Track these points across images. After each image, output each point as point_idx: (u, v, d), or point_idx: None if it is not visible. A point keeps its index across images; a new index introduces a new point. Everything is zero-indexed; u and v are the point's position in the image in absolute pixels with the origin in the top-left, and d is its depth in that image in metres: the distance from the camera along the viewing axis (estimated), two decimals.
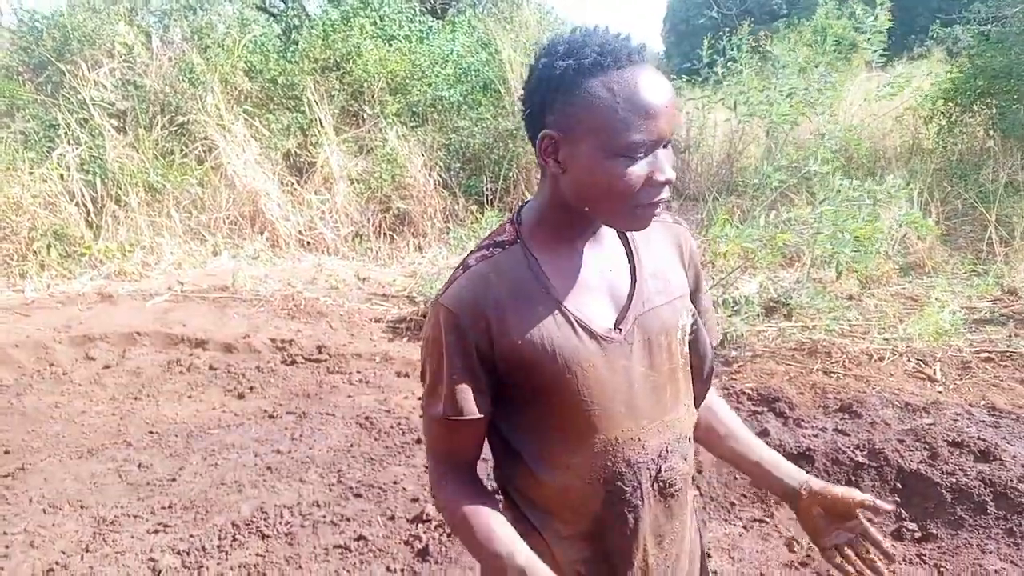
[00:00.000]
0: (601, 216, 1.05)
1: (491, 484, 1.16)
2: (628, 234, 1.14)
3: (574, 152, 0.98)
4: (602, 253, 1.11)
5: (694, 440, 1.30)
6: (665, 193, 1.00)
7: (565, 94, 0.97)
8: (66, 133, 7.04)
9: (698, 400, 1.23)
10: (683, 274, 1.18)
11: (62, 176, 6.82)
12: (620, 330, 1.07)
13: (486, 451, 1.17)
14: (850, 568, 1.19)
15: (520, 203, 1.16)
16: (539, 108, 1.01)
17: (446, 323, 1.04)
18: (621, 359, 1.07)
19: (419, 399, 3.97)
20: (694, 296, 1.22)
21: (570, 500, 1.12)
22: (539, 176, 1.11)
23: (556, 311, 1.05)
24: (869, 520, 1.19)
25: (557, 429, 1.09)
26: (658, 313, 1.10)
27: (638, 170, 0.96)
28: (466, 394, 1.05)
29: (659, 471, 1.12)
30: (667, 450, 1.13)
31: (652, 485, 1.12)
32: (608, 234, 1.13)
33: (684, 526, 1.22)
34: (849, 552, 1.19)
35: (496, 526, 1.07)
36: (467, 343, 1.04)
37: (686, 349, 1.16)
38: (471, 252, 1.11)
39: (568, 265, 1.08)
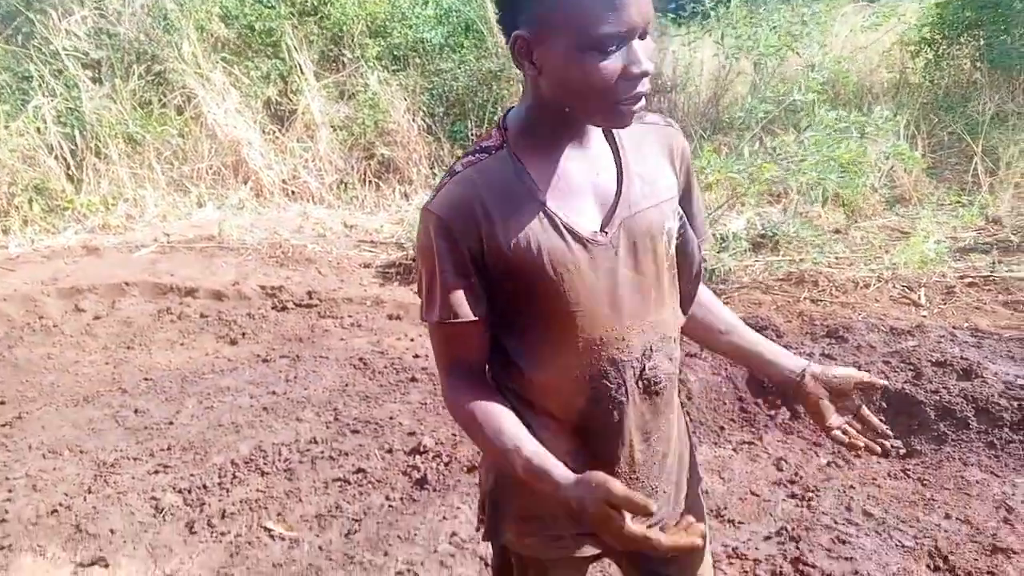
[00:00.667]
0: (582, 114, 1.05)
1: None
2: (616, 136, 1.14)
3: (547, 51, 0.98)
4: (589, 156, 1.11)
5: (697, 340, 1.37)
6: (643, 86, 0.99)
7: None
8: (40, 85, 6.87)
9: (686, 301, 1.26)
10: (673, 176, 1.19)
11: (39, 129, 6.67)
12: (606, 233, 1.09)
13: None
14: (856, 441, 1.28)
15: (505, 109, 1.15)
16: (510, 9, 1.01)
17: (436, 229, 1.06)
18: (606, 262, 1.09)
19: (411, 340, 4.02)
20: (684, 198, 1.22)
21: (557, 397, 1.15)
22: (522, 81, 1.11)
23: (542, 214, 1.06)
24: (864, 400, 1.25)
25: (543, 329, 1.11)
26: (644, 216, 1.11)
27: (612, 64, 0.95)
28: (460, 297, 1.07)
29: (643, 369, 1.15)
30: (651, 349, 1.15)
31: (636, 383, 1.15)
32: (595, 136, 1.13)
33: (670, 425, 1.26)
34: (849, 428, 1.28)
35: (503, 421, 1.10)
36: (458, 247, 1.05)
37: (672, 252, 1.18)
38: (458, 159, 1.12)
39: (554, 169, 1.09)
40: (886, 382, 1.29)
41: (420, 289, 1.13)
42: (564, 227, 1.06)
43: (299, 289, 4.72)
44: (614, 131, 1.14)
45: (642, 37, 0.97)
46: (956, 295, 3.82)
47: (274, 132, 7.48)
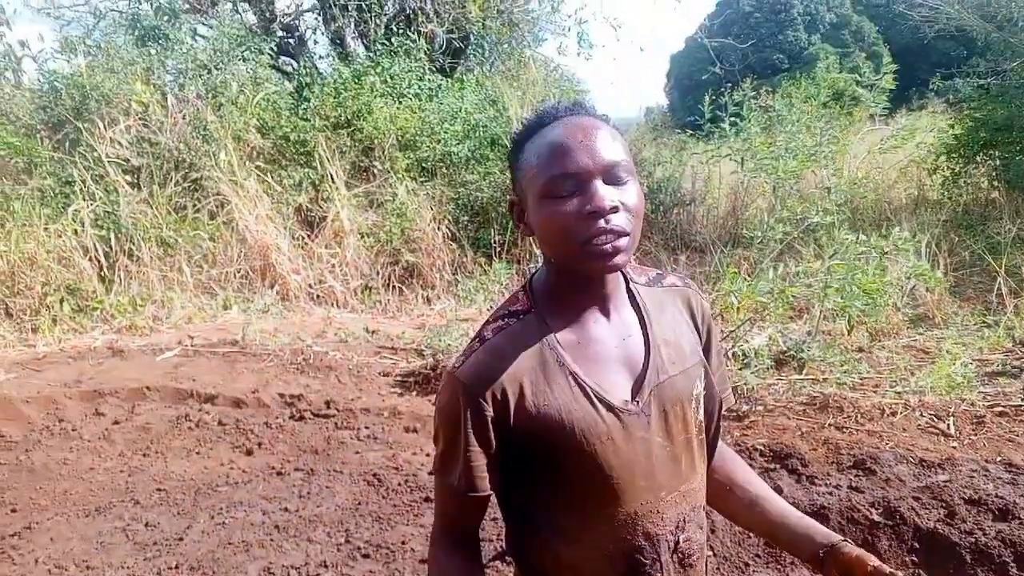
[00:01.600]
0: (564, 263, 1.07)
1: (500, 545, 1.15)
2: (639, 300, 1.15)
3: (528, 210, 1.06)
4: (615, 321, 1.12)
5: (714, 507, 1.30)
6: (604, 223, 0.98)
7: (514, 162, 1.08)
8: (82, 189, 7.16)
9: (712, 446, 1.23)
10: (695, 338, 1.18)
11: (76, 231, 6.92)
12: (637, 402, 1.07)
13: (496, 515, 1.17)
14: None
15: (536, 260, 1.19)
16: (512, 184, 1.11)
17: (464, 398, 1.05)
18: (639, 431, 1.07)
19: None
20: (706, 356, 1.21)
21: (586, 572, 1.11)
22: None
23: (573, 383, 1.05)
24: None
25: (575, 502, 1.08)
26: (673, 383, 1.10)
27: (567, 207, 0.99)
28: (480, 471, 1.07)
29: (678, 542, 1.12)
30: (684, 520, 1.12)
31: (672, 556, 1.12)
32: (620, 301, 1.13)
33: None
34: None
35: None
36: (483, 418, 1.04)
37: (700, 417, 1.16)
38: (486, 323, 1.12)
39: (583, 334, 1.09)
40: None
41: (437, 444, 1.12)
42: (595, 396, 1.05)
43: (318, 398, 4.72)
44: (637, 296, 1.15)
45: (612, 181, 1.00)
46: (986, 425, 3.72)
47: (303, 237, 7.68)
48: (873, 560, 1.14)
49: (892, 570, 1.13)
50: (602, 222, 0.98)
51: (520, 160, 1.06)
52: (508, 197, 1.10)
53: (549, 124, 1.04)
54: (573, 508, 1.09)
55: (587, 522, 1.08)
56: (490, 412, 1.04)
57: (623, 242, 1.00)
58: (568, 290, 1.10)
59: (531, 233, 1.07)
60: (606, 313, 1.11)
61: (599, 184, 0.98)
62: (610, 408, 1.06)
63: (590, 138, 0.99)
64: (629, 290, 1.16)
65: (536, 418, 1.04)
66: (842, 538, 1.20)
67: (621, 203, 0.99)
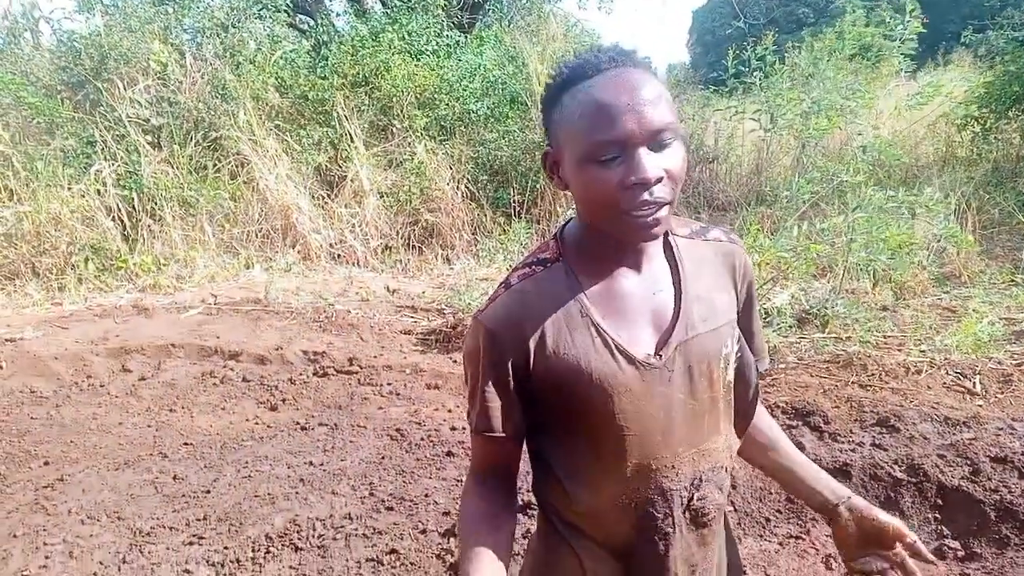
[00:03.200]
0: (600, 227, 1.03)
1: (528, 494, 1.16)
2: (676, 254, 1.11)
3: (564, 165, 1.01)
4: (647, 274, 1.09)
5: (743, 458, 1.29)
6: (652, 195, 0.95)
7: (550, 112, 1.02)
8: (103, 149, 7.19)
9: (741, 424, 1.21)
10: (733, 296, 1.15)
11: (99, 191, 6.97)
12: (660, 356, 1.05)
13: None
14: None
15: (556, 219, 1.17)
16: (545, 127, 1.06)
17: (484, 341, 1.05)
18: (659, 386, 1.05)
19: (449, 411, 4.00)
20: (743, 316, 1.18)
21: (601, 522, 1.11)
22: None
23: (595, 334, 1.04)
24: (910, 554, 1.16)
25: (590, 450, 1.08)
26: (701, 340, 1.08)
27: (610, 175, 0.94)
28: (496, 411, 1.07)
29: (691, 499, 1.11)
30: (701, 479, 1.11)
31: (684, 513, 1.11)
32: (654, 254, 1.10)
33: (715, 554, 1.20)
34: None
35: (479, 543, 1.06)
36: (503, 362, 1.04)
37: (729, 377, 1.13)
38: (514, 269, 1.11)
39: (610, 286, 1.07)
40: (933, 560, 1.14)
41: (466, 390, 1.14)
42: (616, 348, 1.04)
43: (340, 355, 4.76)
44: (674, 249, 1.12)
45: (657, 147, 0.95)
46: (1013, 383, 3.67)
47: (323, 197, 7.69)
48: (906, 530, 1.15)
49: (927, 552, 1.14)
50: (645, 194, 0.94)
51: (557, 112, 1.00)
52: (543, 148, 1.05)
53: (592, 75, 0.96)
54: (589, 456, 1.08)
55: (602, 471, 1.08)
56: (510, 354, 1.04)
57: (663, 212, 0.97)
58: (600, 244, 1.07)
59: (564, 187, 1.04)
60: (637, 267, 1.09)
61: (643, 152, 0.94)
62: (631, 361, 1.04)
63: (637, 99, 0.93)
64: (667, 241, 1.12)
65: (555, 365, 1.03)
66: (851, 494, 1.20)
67: (665, 171, 0.95)
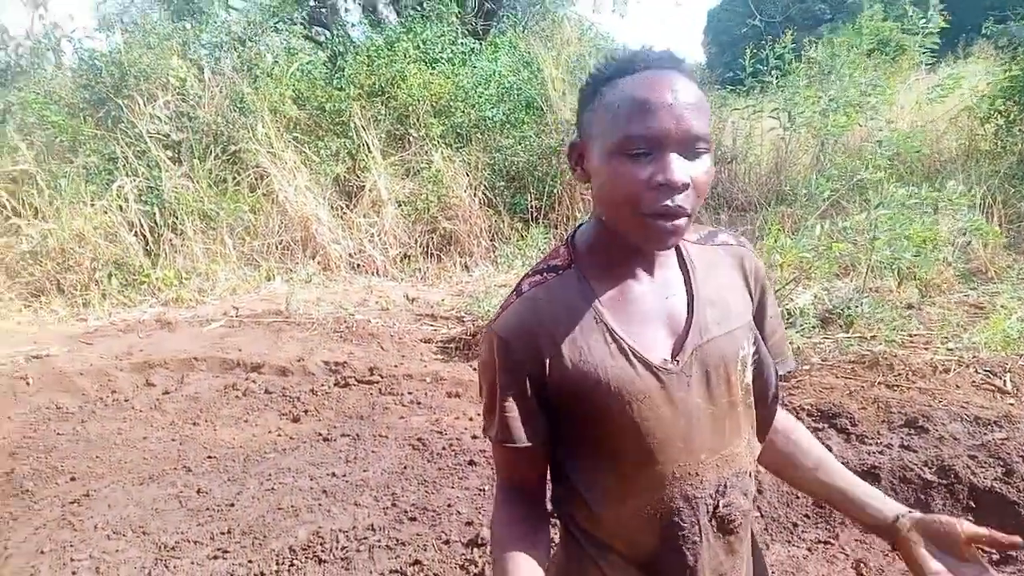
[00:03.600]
0: (615, 226, 1.01)
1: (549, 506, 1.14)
2: (687, 258, 1.10)
3: (591, 157, 0.99)
4: (659, 279, 1.08)
5: (780, 475, 1.26)
6: (676, 201, 0.93)
7: (587, 105, 1.00)
8: (125, 165, 7.30)
9: (762, 428, 1.18)
10: (747, 299, 1.13)
11: (121, 207, 7.06)
12: (677, 361, 1.03)
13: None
14: None
15: (574, 223, 1.15)
16: (576, 125, 1.04)
17: (499, 351, 1.03)
18: (678, 391, 1.03)
19: (470, 420, 3.99)
20: (758, 318, 1.16)
21: (625, 533, 1.09)
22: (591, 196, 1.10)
23: (611, 340, 1.02)
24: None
25: (610, 461, 1.06)
26: (717, 344, 1.06)
27: (638, 170, 0.92)
28: (517, 422, 1.05)
29: (717, 506, 1.08)
30: (726, 485, 1.08)
31: (710, 521, 1.08)
32: (667, 259, 1.09)
33: (744, 562, 1.17)
34: None
35: (517, 564, 1.03)
36: (520, 371, 1.03)
37: (748, 380, 1.11)
38: (525, 276, 1.09)
39: (624, 291, 1.05)
40: (1017, 539, 1.03)
41: (483, 403, 1.11)
42: (633, 354, 1.02)
43: (361, 365, 4.77)
44: (685, 253, 1.11)
45: (689, 154, 0.93)
46: None
47: (342, 208, 7.73)
48: (973, 526, 1.06)
49: (1004, 536, 1.03)
50: (668, 199, 0.92)
51: (595, 102, 0.98)
52: (569, 140, 1.05)
53: (637, 71, 0.95)
54: (609, 467, 1.06)
55: (623, 482, 1.06)
56: (526, 364, 1.02)
57: (682, 223, 0.95)
58: (613, 247, 1.06)
59: (586, 180, 1.02)
60: (650, 271, 1.07)
61: (675, 156, 0.92)
62: (648, 367, 1.02)
63: (679, 100, 0.91)
64: (677, 247, 1.11)
65: (571, 374, 1.01)
66: (908, 509, 1.14)
67: (692, 179, 0.93)
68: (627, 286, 1.06)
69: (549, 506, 1.18)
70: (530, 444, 1.06)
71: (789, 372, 1.21)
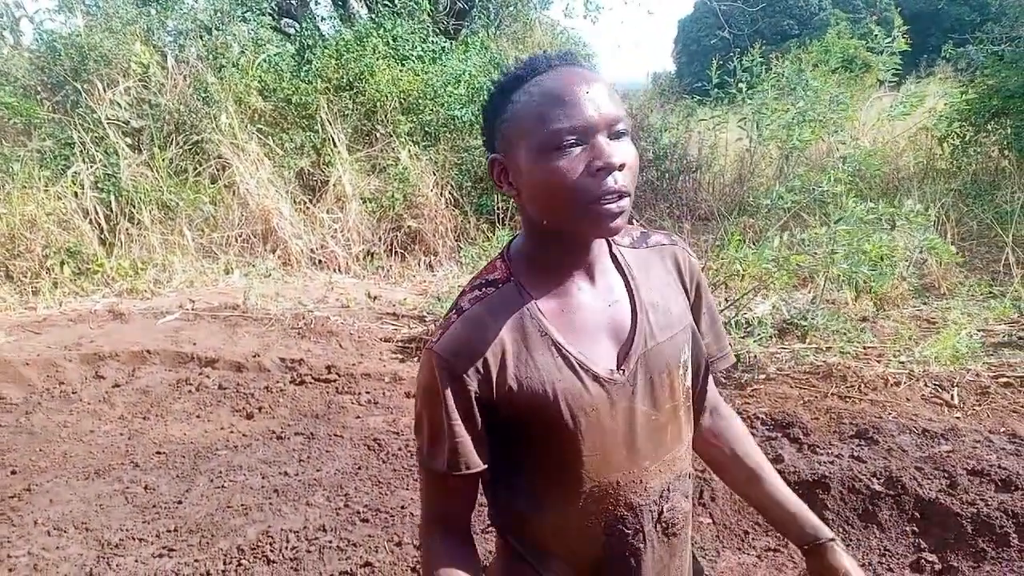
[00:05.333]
0: (561, 226, 0.99)
1: (485, 521, 1.12)
2: (624, 264, 1.09)
3: (516, 166, 0.97)
4: (600, 286, 1.06)
5: (720, 476, 1.29)
6: (617, 182, 0.92)
7: (498, 116, 0.98)
8: (81, 151, 7.10)
9: (698, 410, 1.19)
10: (684, 299, 1.14)
11: (76, 194, 6.87)
12: (623, 371, 1.03)
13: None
14: None
15: (508, 237, 1.13)
16: (488, 142, 1.02)
17: (442, 373, 0.99)
18: (623, 400, 1.02)
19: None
20: (695, 316, 1.16)
21: (569, 544, 1.08)
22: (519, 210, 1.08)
23: (556, 353, 1.00)
24: None
25: (555, 473, 1.05)
26: (661, 350, 1.06)
27: (572, 161, 0.91)
28: (468, 447, 1.01)
29: (661, 512, 1.09)
30: (668, 489, 1.09)
31: (655, 526, 1.09)
32: (604, 265, 1.08)
33: (685, 563, 1.18)
34: None
35: None
36: (466, 392, 0.99)
37: (688, 382, 1.12)
38: (462, 293, 1.06)
39: (565, 301, 1.03)
40: None
41: (420, 431, 1.06)
42: (580, 366, 1.01)
43: (319, 362, 4.70)
44: (620, 259, 1.10)
45: (614, 137, 0.94)
46: (991, 396, 3.69)
47: (305, 203, 7.63)
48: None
49: None
50: (610, 180, 0.92)
51: (508, 111, 0.97)
52: (490, 157, 1.02)
53: (543, 72, 0.95)
54: (552, 478, 1.05)
55: (567, 493, 1.05)
56: (473, 386, 0.99)
57: (626, 203, 0.94)
58: (551, 256, 1.04)
59: (516, 193, 1.00)
60: (590, 279, 1.06)
61: (603, 139, 0.92)
62: (595, 378, 1.01)
63: (593, 90, 0.92)
64: (612, 253, 1.10)
65: (519, 391, 0.99)
66: (831, 536, 1.16)
67: (623, 160, 0.94)
68: (569, 296, 1.04)
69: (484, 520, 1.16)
70: (485, 466, 1.03)
71: (730, 369, 1.23)
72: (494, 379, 0.99)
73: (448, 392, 0.99)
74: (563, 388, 0.99)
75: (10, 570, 2.74)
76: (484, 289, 1.04)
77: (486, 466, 1.03)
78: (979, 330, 4.56)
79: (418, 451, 1.07)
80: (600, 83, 0.94)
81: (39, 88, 8.09)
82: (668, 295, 1.11)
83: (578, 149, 0.92)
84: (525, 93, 0.95)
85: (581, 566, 1.10)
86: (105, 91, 7.45)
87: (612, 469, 1.04)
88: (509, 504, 1.11)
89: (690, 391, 1.13)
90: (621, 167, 0.92)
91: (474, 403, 1.00)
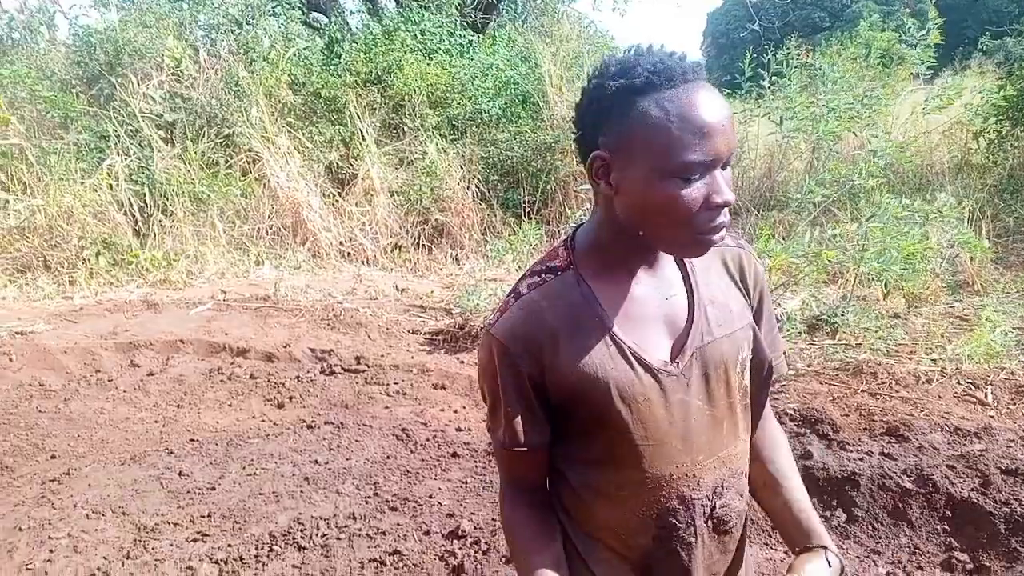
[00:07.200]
0: (657, 241, 1.00)
1: None
2: (686, 260, 1.10)
3: (627, 173, 0.94)
4: (660, 280, 1.07)
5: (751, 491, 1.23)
6: (724, 217, 0.94)
7: (617, 114, 0.93)
8: (116, 144, 7.23)
9: (756, 414, 1.18)
10: (745, 301, 1.13)
11: (111, 186, 7.00)
12: (677, 363, 1.03)
13: None
14: None
15: (567, 220, 1.14)
16: (591, 129, 0.97)
17: (499, 354, 1.03)
18: (678, 393, 1.03)
19: (455, 412, 3.99)
20: (756, 317, 1.16)
21: (620, 532, 1.10)
22: (591, 198, 1.09)
23: (610, 342, 1.02)
24: None
25: (608, 461, 1.06)
26: (718, 346, 1.06)
27: (694, 192, 0.91)
28: (520, 425, 1.05)
29: (714, 508, 1.09)
30: (722, 486, 1.09)
31: (706, 522, 1.09)
32: (666, 260, 1.09)
33: (739, 563, 1.18)
34: None
35: (538, 551, 1.07)
36: (520, 374, 1.02)
37: (746, 381, 1.12)
38: (522, 277, 1.08)
39: (624, 293, 1.04)
40: None
41: (486, 403, 1.11)
42: (633, 356, 1.02)
43: (348, 353, 4.76)
44: None
45: (724, 167, 0.94)
46: None
47: (334, 195, 7.70)
48: None
49: None
50: (722, 216, 0.94)
51: (633, 116, 0.91)
52: (592, 152, 0.97)
53: (678, 86, 0.90)
54: (607, 467, 1.07)
55: (621, 482, 1.06)
56: (525, 368, 1.02)
57: (724, 232, 0.98)
58: (619, 250, 1.04)
59: (612, 193, 0.98)
60: (650, 271, 1.07)
61: (720, 173, 0.93)
62: (648, 368, 1.02)
63: (727, 121, 0.91)
64: None
65: (571, 376, 1.01)
66: (823, 544, 1.09)
67: None
68: (627, 287, 1.05)
69: None
70: (536, 446, 1.07)
71: (781, 376, 1.22)
72: (546, 363, 1.02)
73: (503, 373, 1.03)
74: (615, 376, 1.01)
75: (51, 551, 2.82)
76: (543, 275, 1.06)
77: (538, 446, 1.07)
78: (1014, 328, 4.48)
79: (487, 420, 1.13)
80: (729, 110, 0.93)
81: (75, 82, 8.24)
82: (728, 294, 1.11)
83: (700, 180, 0.92)
84: (659, 107, 0.90)
85: (632, 556, 1.11)
86: (139, 85, 7.58)
87: (665, 461, 1.05)
88: (565, 491, 1.13)
89: (748, 390, 1.13)
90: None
91: (528, 384, 1.03)
